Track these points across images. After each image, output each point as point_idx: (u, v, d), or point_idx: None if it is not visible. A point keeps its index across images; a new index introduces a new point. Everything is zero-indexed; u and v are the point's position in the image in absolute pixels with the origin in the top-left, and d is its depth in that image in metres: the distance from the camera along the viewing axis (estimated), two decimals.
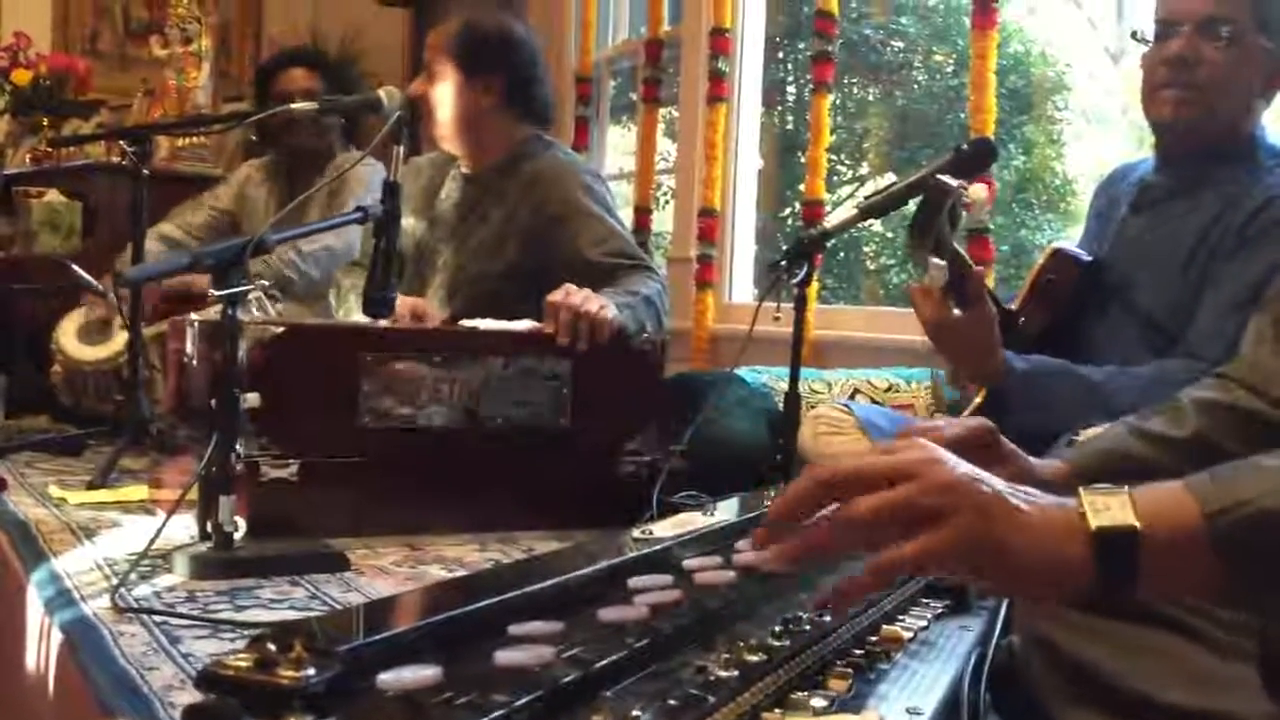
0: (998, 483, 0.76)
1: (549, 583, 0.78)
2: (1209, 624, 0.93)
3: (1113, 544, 0.72)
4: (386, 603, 0.87)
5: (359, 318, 2.59)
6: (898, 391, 2.73)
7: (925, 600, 1.18)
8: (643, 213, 4.15)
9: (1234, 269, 1.74)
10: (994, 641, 1.15)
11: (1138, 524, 0.72)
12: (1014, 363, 1.80)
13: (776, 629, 0.89)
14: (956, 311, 1.77)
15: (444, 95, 2.62)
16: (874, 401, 2.65)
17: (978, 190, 1.80)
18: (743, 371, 2.75)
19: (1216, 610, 0.93)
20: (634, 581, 0.85)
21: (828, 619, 0.94)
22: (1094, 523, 0.72)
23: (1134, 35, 1.89)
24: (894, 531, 0.75)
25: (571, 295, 2.19)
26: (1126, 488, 0.74)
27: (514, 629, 0.70)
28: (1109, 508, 0.73)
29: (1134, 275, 1.90)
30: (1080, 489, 0.75)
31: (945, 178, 1.75)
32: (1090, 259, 2.03)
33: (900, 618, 1.10)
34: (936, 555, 0.74)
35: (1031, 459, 1.11)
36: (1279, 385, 1.07)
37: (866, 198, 2.12)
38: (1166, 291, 1.83)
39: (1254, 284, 1.67)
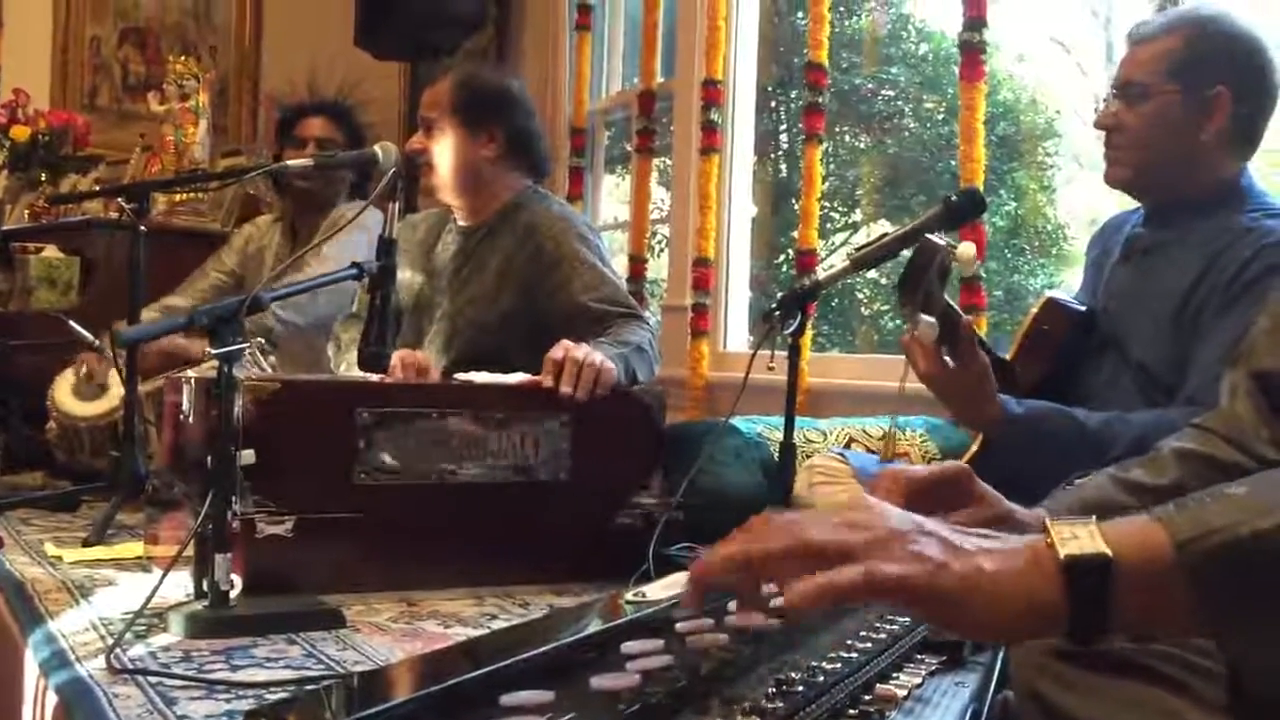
0: (946, 530, 0.74)
1: (540, 650, 0.79)
2: (1200, 680, 0.93)
3: (1083, 572, 0.70)
4: (377, 674, 0.87)
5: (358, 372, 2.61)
6: (893, 439, 2.73)
7: (920, 656, 1.18)
8: (637, 261, 4.18)
9: (1229, 321, 1.75)
10: (989, 697, 1.16)
11: (1109, 551, 0.70)
12: (1011, 408, 1.81)
13: (770, 690, 0.89)
14: (950, 363, 1.78)
15: (445, 150, 2.66)
16: (869, 450, 2.65)
17: (965, 249, 1.83)
18: (737, 421, 2.75)
19: (1208, 665, 0.93)
20: (626, 646, 0.85)
21: (819, 679, 0.94)
22: (1063, 551, 0.70)
23: (1095, 109, 1.96)
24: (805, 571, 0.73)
25: (571, 350, 2.21)
26: (1093, 518, 0.73)
27: (506, 699, 0.71)
28: (1077, 536, 0.71)
29: (1126, 326, 1.92)
30: (1046, 520, 0.73)
31: (933, 236, 1.78)
32: (1084, 308, 2.05)
33: (895, 675, 1.10)
34: (899, 582, 0.71)
35: (1013, 505, 1.12)
36: (1258, 439, 1.09)
37: (858, 249, 2.14)
38: (1159, 343, 1.84)
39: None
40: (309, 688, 1.46)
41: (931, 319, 1.77)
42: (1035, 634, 0.74)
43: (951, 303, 1.81)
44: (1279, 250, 1.74)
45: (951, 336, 1.79)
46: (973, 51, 2.94)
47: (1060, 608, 0.70)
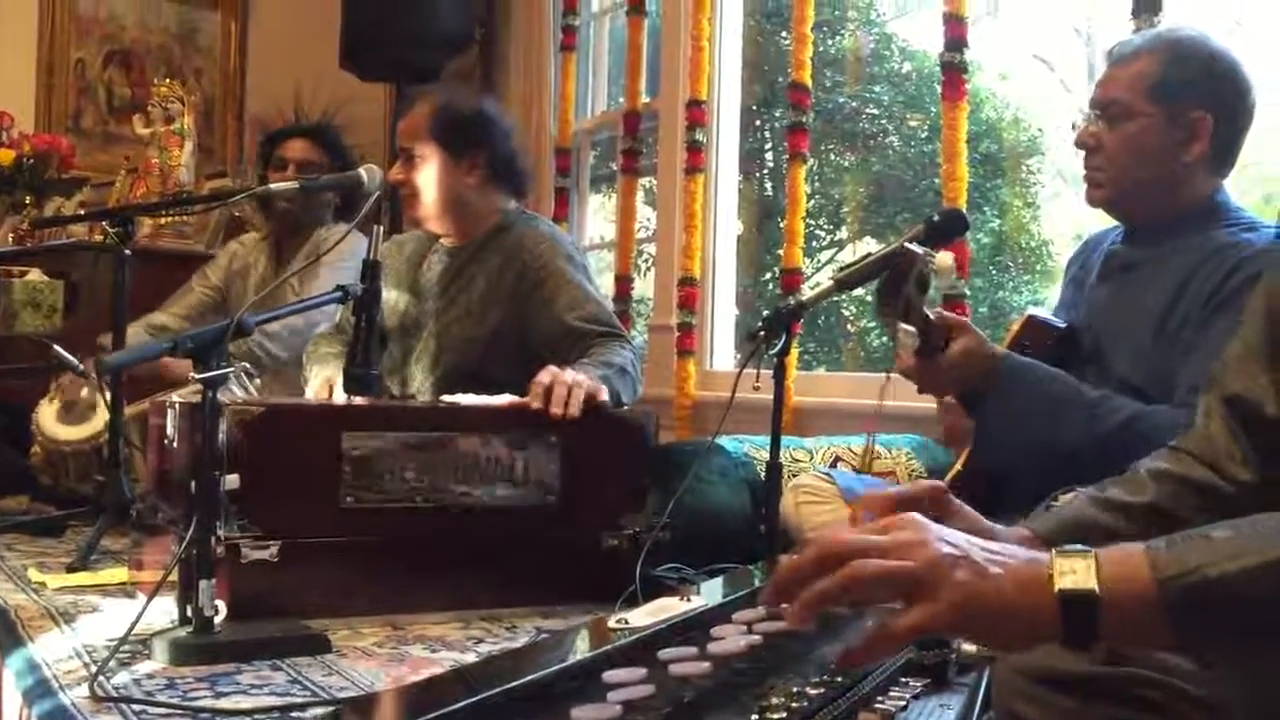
0: (975, 550, 0.85)
1: (521, 682, 0.79)
2: (1180, 703, 0.94)
3: (1074, 605, 0.80)
4: (357, 706, 0.86)
5: (328, 374, 2.61)
6: (879, 457, 2.74)
7: (904, 679, 1.18)
8: (624, 281, 4.19)
9: (1213, 333, 1.76)
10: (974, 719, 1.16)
11: (1097, 589, 0.80)
12: (1013, 359, 1.85)
13: (754, 717, 0.89)
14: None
15: (428, 178, 2.66)
16: (855, 469, 2.65)
17: (944, 258, 1.84)
18: (724, 440, 2.75)
19: (1187, 688, 0.94)
20: (608, 676, 0.85)
21: (804, 704, 0.94)
22: (1058, 585, 0.81)
23: (1073, 127, 1.97)
24: (885, 595, 0.85)
25: (559, 375, 2.21)
26: (1094, 551, 0.82)
27: None
28: (1075, 571, 0.81)
29: (1106, 343, 1.93)
30: (1054, 550, 0.83)
31: (911, 245, 1.79)
32: (1065, 325, 2.06)
33: (879, 699, 1.10)
34: (927, 627, 0.83)
35: (990, 523, 1.14)
36: (1231, 461, 1.11)
37: (842, 268, 2.14)
38: (1140, 359, 1.85)
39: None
40: (294, 715, 1.45)
41: (911, 328, 1.78)
42: (1035, 642, 0.85)
43: (930, 313, 1.82)
44: (1256, 261, 1.74)
45: (934, 341, 1.81)
46: (954, 72, 2.96)
47: (1058, 629, 0.81)
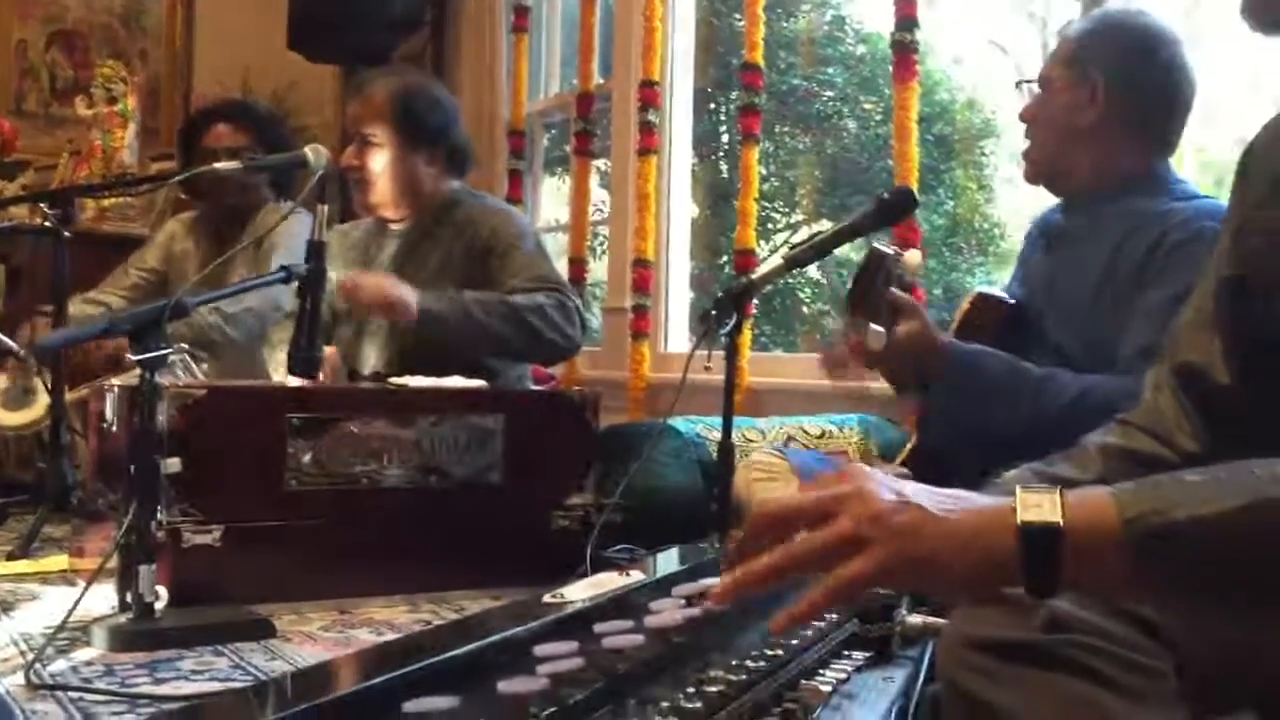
0: (924, 497, 0.83)
1: (446, 655, 0.77)
2: (1123, 671, 0.94)
3: (1036, 539, 0.78)
4: (278, 682, 0.84)
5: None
6: (831, 437, 2.74)
7: (847, 652, 1.17)
8: (578, 264, 4.16)
9: (1149, 294, 1.78)
10: (917, 692, 1.15)
11: (1060, 521, 0.78)
12: (956, 348, 1.85)
13: (690, 690, 0.88)
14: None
15: (383, 166, 2.62)
16: (807, 448, 2.65)
17: (912, 255, 1.88)
18: (676, 421, 2.74)
19: (1132, 656, 0.94)
20: (540, 649, 0.83)
21: (743, 677, 0.93)
22: (1020, 517, 0.78)
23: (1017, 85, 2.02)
24: (834, 561, 0.82)
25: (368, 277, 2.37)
26: (1059, 488, 0.80)
27: (409, 706, 0.69)
28: (1040, 505, 0.79)
29: (1045, 314, 1.96)
30: (1018, 486, 0.81)
31: (880, 245, 1.80)
32: (1014, 301, 2.07)
33: (821, 671, 1.10)
34: (869, 576, 0.81)
35: None
36: (1180, 433, 1.10)
37: (793, 248, 2.14)
38: (1076, 326, 1.88)
39: (1174, 299, 1.72)
40: (207, 696, 1.42)
41: (880, 329, 1.78)
42: (995, 585, 0.82)
43: (889, 299, 1.82)
44: (1185, 227, 1.78)
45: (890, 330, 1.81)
46: (905, 51, 2.96)
47: (1016, 565, 0.78)
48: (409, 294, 2.38)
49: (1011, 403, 1.78)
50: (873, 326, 1.78)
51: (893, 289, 1.89)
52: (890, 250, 1.82)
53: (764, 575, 0.83)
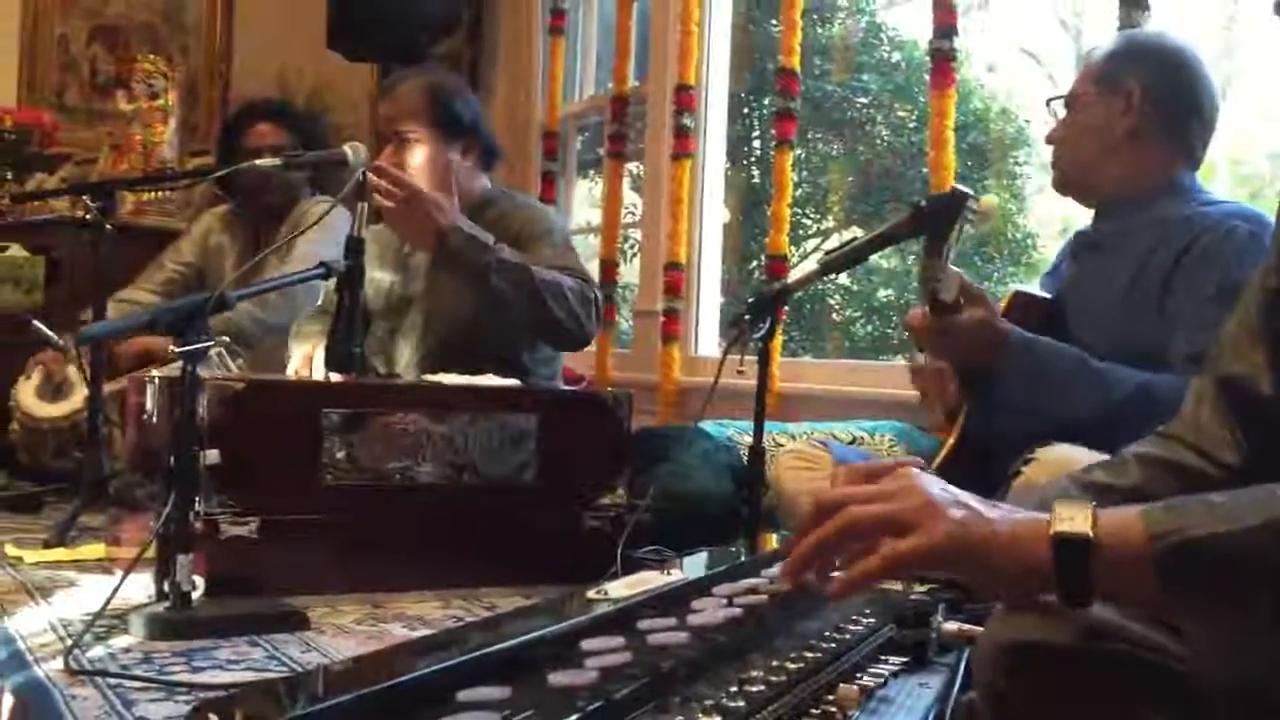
0: (972, 499, 0.88)
1: (498, 647, 0.78)
2: (1154, 677, 0.94)
3: (1068, 549, 0.82)
4: (330, 670, 0.86)
5: (307, 349, 2.59)
6: (862, 444, 2.74)
7: (884, 657, 1.18)
8: (609, 266, 4.17)
9: (1191, 297, 1.80)
10: (953, 698, 1.16)
11: (1090, 533, 0.82)
12: (1019, 334, 1.86)
13: (732, 689, 0.88)
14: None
15: (421, 158, 2.64)
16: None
17: (989, 199, 1.90)
18: (707, 425, 2.75)
19: (1163, 662, 0.94)
20: (586, 644, 0.84)
21: (783, 678, 0.93)
22: (1054, 528, 0.83)
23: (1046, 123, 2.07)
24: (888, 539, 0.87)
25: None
26: (1093, 503, 0.84)
27: (462, 695, 0.70)
28: (1073, 518, 0.83)
29: (1077, 319, 1.98)
30: (1056, 500, 0.85)
31: (961, 186, 1.82)
32: (1050, 297, 2.09)
33: (858, 675, 1.10)
34: (923, 554, 0.85)
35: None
36: (1222, 447, 1.09)
37: (827, 253, 2.14)
38: (1105, 330, 1.90)
39: (1214, 299, 1.72)
40: (258, 681, 1.44)
41: (957, 270, 1.79)
42: (1033, 591, 0.86)
43: (957, 271, 1.83)
44: (1215, 229, 1.81)
45: (945, 305, 1.81)
46: (943, 59, 2.95)
47: (1050, 573, 0.83)
48: (452, 210, 2.39)
49: (1078, 391, 1.80)
50: (951, 269, 1.78)
51: (964, 274, 1.88)
52: (970, 192, 1.82)
53: (826, 539, 0.88)
